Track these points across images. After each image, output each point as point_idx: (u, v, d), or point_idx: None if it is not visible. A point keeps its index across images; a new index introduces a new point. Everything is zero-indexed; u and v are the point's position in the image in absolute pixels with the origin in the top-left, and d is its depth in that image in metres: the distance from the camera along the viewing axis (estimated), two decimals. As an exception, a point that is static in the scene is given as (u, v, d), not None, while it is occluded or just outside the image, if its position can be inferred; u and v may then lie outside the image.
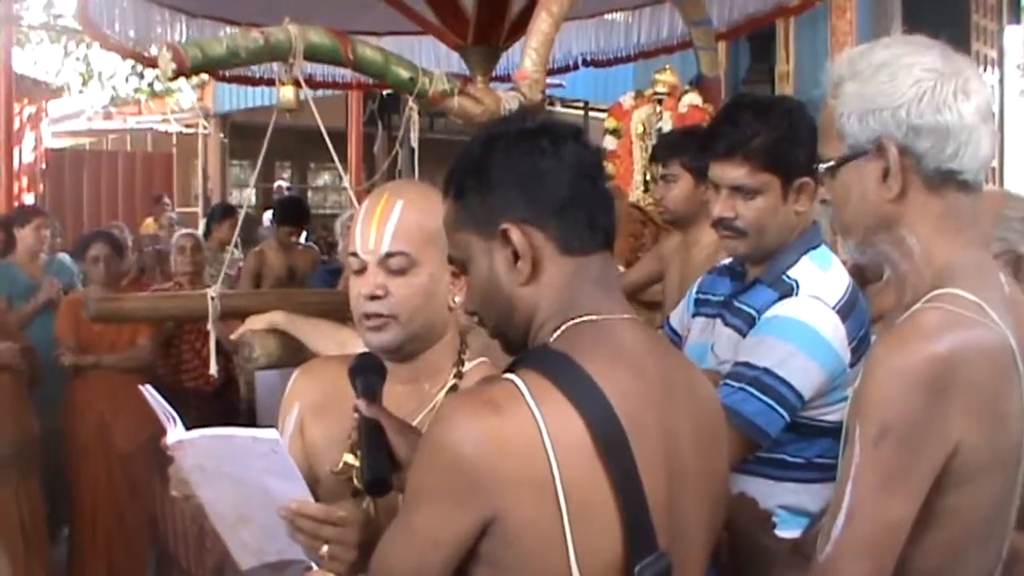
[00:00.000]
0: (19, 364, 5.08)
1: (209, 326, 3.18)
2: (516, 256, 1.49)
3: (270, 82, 6.21)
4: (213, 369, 3.40)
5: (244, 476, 1.67)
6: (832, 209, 1.68)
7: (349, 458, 1.77)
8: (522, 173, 1.49)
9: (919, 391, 1.47)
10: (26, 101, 12.19)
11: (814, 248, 2.39)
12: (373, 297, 1.86)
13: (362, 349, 1.91)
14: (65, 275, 6.27)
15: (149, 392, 1.81)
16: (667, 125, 4.96)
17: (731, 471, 2.19)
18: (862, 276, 4.13)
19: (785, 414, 2.23)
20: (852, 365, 2.27)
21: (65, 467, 5.63)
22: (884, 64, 1.57)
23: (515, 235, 1.48)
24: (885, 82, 1.56)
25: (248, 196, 14.74)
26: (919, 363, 1.47)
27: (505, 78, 5.36)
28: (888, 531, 1.49)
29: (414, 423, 1.82)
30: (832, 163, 1.63)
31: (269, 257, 6.95)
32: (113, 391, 5.49)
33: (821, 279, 2.34)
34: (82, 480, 5.60)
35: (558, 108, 14.01)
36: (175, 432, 1.74)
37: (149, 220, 13.28)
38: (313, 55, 3.17)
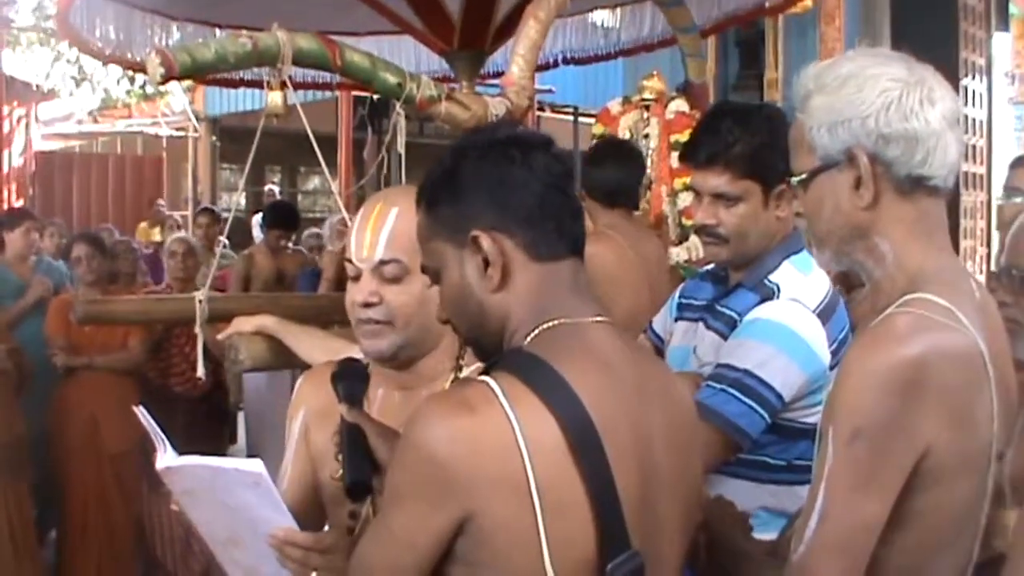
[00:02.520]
0: (6, 366, 5.09)
1: (197, 329, 3.19)
2: (486, 263, 1.51)
3: (254, 84, 6.21)
4: (200, 372, 3.40)
5: (232, 504, 1.69)
6: (806, 222, 1.71)
7: None
8: (492, 182, 1.52)
9: (890, 394, 1.49)
10: (16, 103, 12.19)
11: (795, 253, 2.42)
12: (367, 304, 1.88)
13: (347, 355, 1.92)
14: (54, 276, 6.27)
15: (142, 414, 1.83)
16: (654, 131, 4.99)
17: (713, 472, 2.25)
18: (847, 282, 4.16)
19: (766, 415, 2.26)
20: (832, 368, 2.30)
21: (54, 469, 5.62)
22: (850, 76, 1.61)
23: (485, 242, 1.50)
24: (852, 93, 1.59)
25: (237, 200, 14.76)
26: (890, 366, 1.50)
27: (491, 77, 5.37)
28: (860, 531, 1.52)
29: None
30: (804, 176, 1.67)
31: (258, 261, 6.93)
32: (104, 392, 5.48)
33: (802, 283, 2.37)
34: (72, 482, 5.57)
35: (547, 113, 14.04)
36: (165, 458, 1.74)
37: (143, 225, 13.29)
38: (301, 60, 3.19)
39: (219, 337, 3.01)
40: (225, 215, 8.27)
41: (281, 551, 1.64)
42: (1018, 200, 4.47)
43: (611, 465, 1.41)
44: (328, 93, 9.03)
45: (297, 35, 3.14)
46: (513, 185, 1.52)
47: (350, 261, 1.92)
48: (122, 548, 5.59)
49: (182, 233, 7.22)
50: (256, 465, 1.63)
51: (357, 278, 1.91)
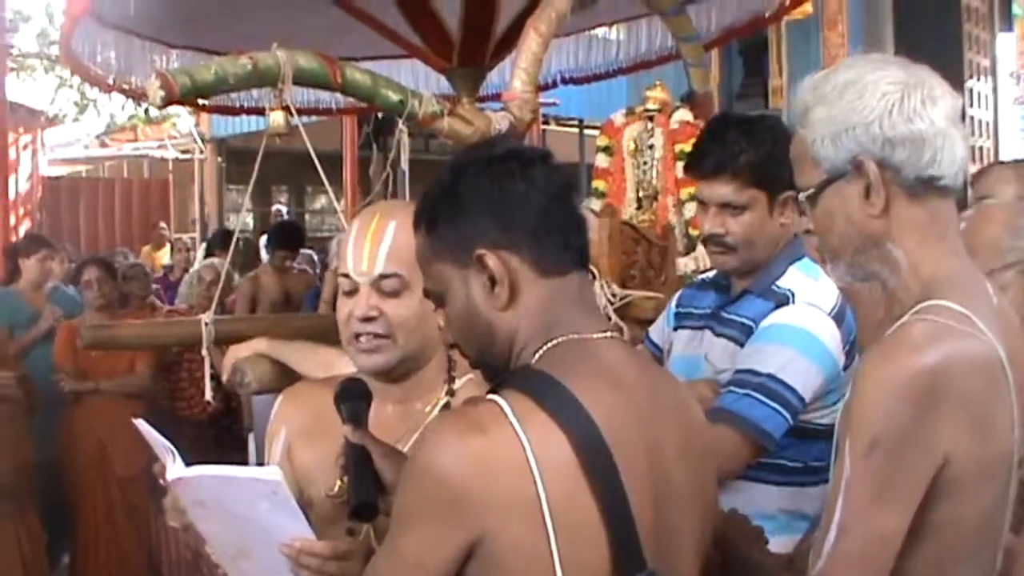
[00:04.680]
0: (16, 393, 5.08)
1: (203, 352, 3.17)
2: (493, 282, 1.49)
3: (254, 111, 6.22)
4: (208, 395, 3.39)
5: (245, 513, 1.66)
6: (818, 237, 1.69)
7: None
8: (493, 198, 1.50)
9: (907, 403, 1.47)
10: (21, 130, 12.20)
11: (798, 259, 2.48)
12: (367, 319, 1.85)
13: (347, 369, 1.90)
14: (68, 304, 6.25)
15: (144, 427, 1.80)
16: (658, 141, 4.96)
17: (737, 476, 2.31)
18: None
19: (789, 417, 2.31)
20: (845, 368, 2.37)
21: (65, 495, 5.63)
22: (849, 84, 1.59)
23: (491, 260, 1.48)
24: (853, 100, 1.57)
25: (242, 221, 14.73)
26: (907, 375, 1.48)
27: (489, 98, 5.37)
28: (880, 544, 1.49)
29: (407, 444, 1.81)
30: (812, 190, 1.64)
31: (264, 281, 6.94)
32: (112, 417, 5.49)
33: (814, 288, 2.41)
34: (83, 507, 5.60)
35: (552, 127, 14.04)
36: (175, 468, 1.72)
37: (146, 249, 13.30)
38: (302, 79, 3.17)
39: (223, 377, 2.99)
40: (239, 236, 8.30)
41: (297, 561, 1.61)
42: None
43: (624, 482, 1.38)
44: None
45: (297, 54, 3.13)
46: (515, 200, 1.49)
47: (346, 275, 1.89)
48: (133, 571, 5.58)
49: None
50: (274, 473, 1.61)
51: (353, 292, 1.89)
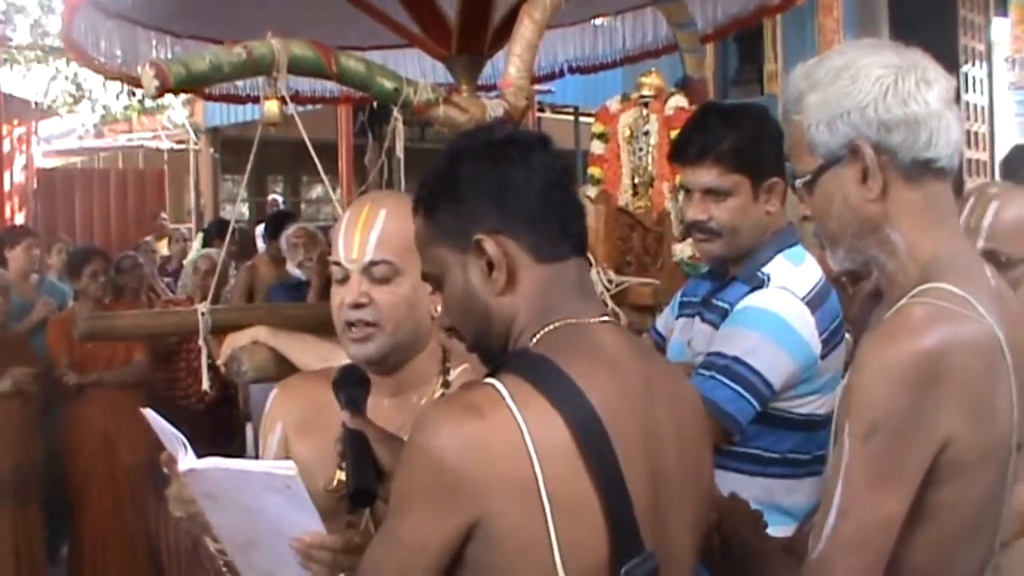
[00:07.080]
0: (31, 389, 5.11)
1: (200, 341, 3.17)
2: (491, 266, 1.49)
3: (253, 99, 6.19)
4: (205, 384, 3.38)
5: (256, 506, 1.66)
6: (815, 223, 1.69)
7: (343, 475, 1.76)
8: (492, 184, 1.50)
9: (907, 386, 1.47)
10: (16, 122, 12.21)
11: (789, 247, 2.48)
12: (357, 305, 1.86)
13: (345, 362, 1.90)
14: (57, 295, 6.26)
15: (153, 417, 1.79)
16: (654, 127, 4.95)
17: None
18: (854, 274, 4.13)
19: (755, 402, 2.31)
20: (823, 357, 2.36)
21: (70, 487, 5.64)
22: (842, 69, 1.59)
23: (489, 245, 1.48)
24: (847, 85, 1.57)
25: (237, 210, 14.71)
26: (906, 358, 1.47)
27: (491, 87, 5.37)
28: (880, 527, 1.49)
29: (404, 436, 1.81)
30: (808, 176, 1.64)
31: (261, 271, 6.94)
32: (115, 407, 5.51)
33: (792, 272, 2.42)
34: (90, 499, 5.61)
35: (548, 114, 14.02)
36: (187, 460, 1.71)
37: (149, 239, 13.30)
38: (296, 68, 3.16)
39: (219, 363, 2.99)
40: (235, 226, 8.28)
41: (308, 555, 1.61)
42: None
43: (621, 464, 1.39)
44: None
45: (291, 43, 3.12)
46: (514, 186, 1.50)
47: (338, 263, 1.90)
48: (139, 560, 5.63)
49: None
50: (289, 468, 1.60)
51: (344, 280, 1.89)
